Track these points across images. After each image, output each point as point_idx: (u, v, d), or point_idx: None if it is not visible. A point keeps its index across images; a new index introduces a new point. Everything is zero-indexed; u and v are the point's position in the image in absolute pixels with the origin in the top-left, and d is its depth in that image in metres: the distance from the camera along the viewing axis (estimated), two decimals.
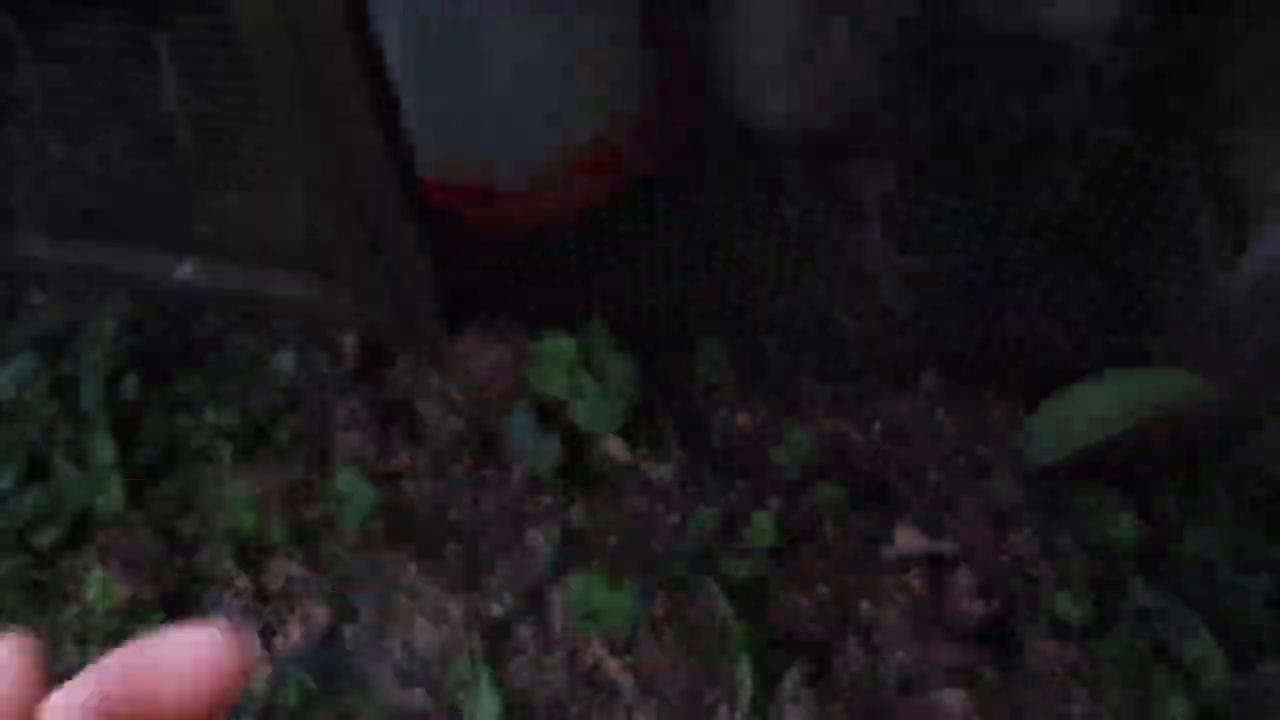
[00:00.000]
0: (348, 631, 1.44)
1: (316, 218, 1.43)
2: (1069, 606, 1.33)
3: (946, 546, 1.40)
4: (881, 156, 1.61)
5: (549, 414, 1.48)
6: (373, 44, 1.17)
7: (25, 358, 1.62)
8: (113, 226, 1.73)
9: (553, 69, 1.43)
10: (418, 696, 1.39)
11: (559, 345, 1.43)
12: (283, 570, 1.48)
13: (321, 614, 1.45)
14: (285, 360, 1.61)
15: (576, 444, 1.48)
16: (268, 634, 1.44)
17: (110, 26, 1.85)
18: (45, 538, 1.50)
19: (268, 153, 1.66)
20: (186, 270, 1.61)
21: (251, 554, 1.49)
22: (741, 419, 1.49)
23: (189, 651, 0.30)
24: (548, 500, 1.47)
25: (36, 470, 1.56)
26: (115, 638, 1.44)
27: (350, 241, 1.41)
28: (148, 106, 1.89)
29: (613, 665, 1.38)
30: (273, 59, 1.16)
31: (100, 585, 1.44)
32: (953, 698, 1.35)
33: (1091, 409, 1.26)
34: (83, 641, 1.45)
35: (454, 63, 1.41)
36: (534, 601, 1.42)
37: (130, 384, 1.55)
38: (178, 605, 1.46)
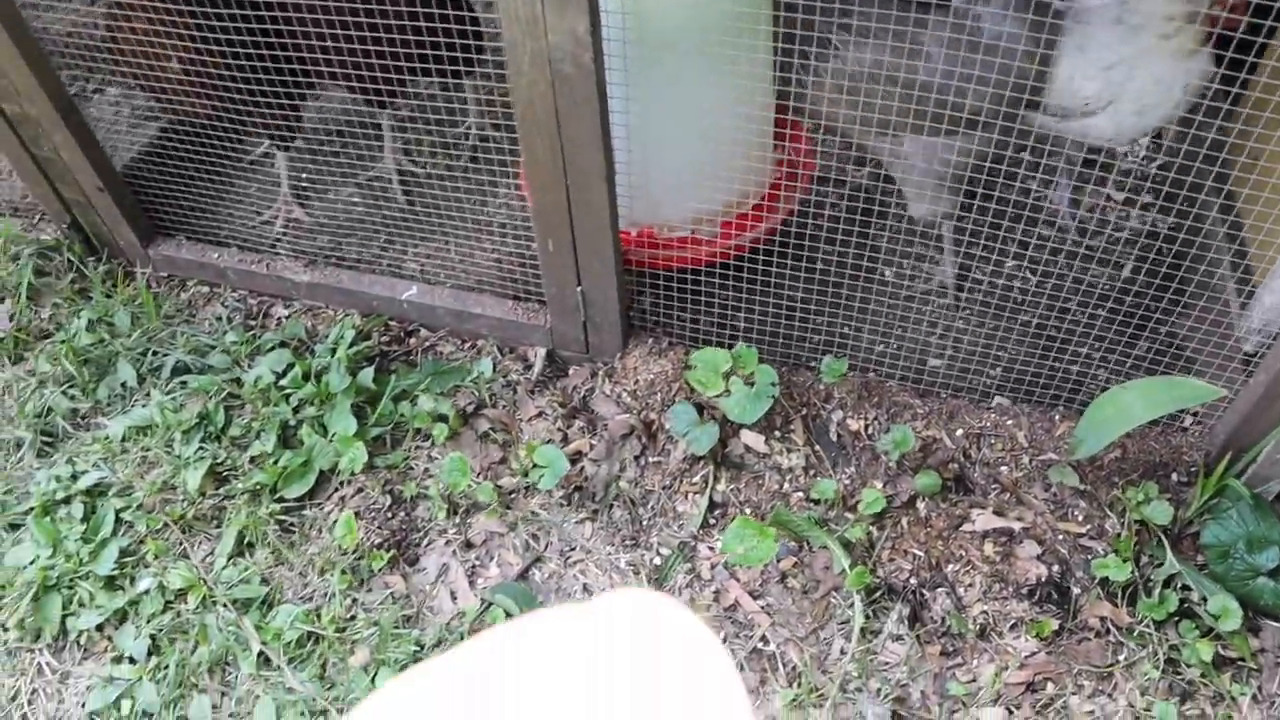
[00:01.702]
0: (536, 574, 1.82)
1: (532, 253, 1.86)
2: (1115, 572, 1.68)
3: (1015, 524, 1.77)
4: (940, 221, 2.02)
5: (702, 410, 1.88)
6: (606, 113, 1.61)
7: (278, 354, 2.05)
8: (351, 257, 2.18)
9: (711, 145, 1.87)
10: None
11: (714, 355, 1.84)
12: (484, 525, 1.86)
13: (515, 560, 1.83)
14: (484, 366, 2.02)
15: (721, 436, 1.87)
16: (472, 574, 1.82)
17: (343, 106, 2.34)
18: (295, 491, 1.90)
19: (476, 205, 2.11)
20: (411, 292, 2.05)
21: (459, 511, 1.88)
22: (854, 423, 1.88)
23: None
24: (697, 478, 1.86)
25: (286, 440, 1.97)
26: (350, 570, 1.82)
27: (559, 273, 1.84)
28: (386, 166, 2.36)
29: (750, 605, 1.74)
30: (537, 125, 1.60)
31: (346, 526, 1.83)
32: (1021, 642, 1.70)
33: (1123, 407, 1.63)
34: (323, 572, 1.83)
35: (637, 138, 1.85)
36: (686, 555, 1.80)
37: (367, 375, 1.97)
38: (400, 548, 1.85)
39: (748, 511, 1.82)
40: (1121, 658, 1.69)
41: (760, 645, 1.70)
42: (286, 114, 2.05)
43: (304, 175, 2.33)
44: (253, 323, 2.17)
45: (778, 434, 1.88)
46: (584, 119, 1.59)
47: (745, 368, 1.84)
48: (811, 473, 1.85)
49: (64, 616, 1.81)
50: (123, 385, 2.10)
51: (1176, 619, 1.69)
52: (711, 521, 1.83)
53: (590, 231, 1.76)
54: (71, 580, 1.83)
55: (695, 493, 1.85)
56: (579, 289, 1.86)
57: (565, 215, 1.74)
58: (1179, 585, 1.71)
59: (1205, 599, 1.68)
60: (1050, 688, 1.66)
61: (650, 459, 1.88)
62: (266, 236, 2.25)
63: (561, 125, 1.61)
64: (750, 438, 1.87)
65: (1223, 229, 2.00)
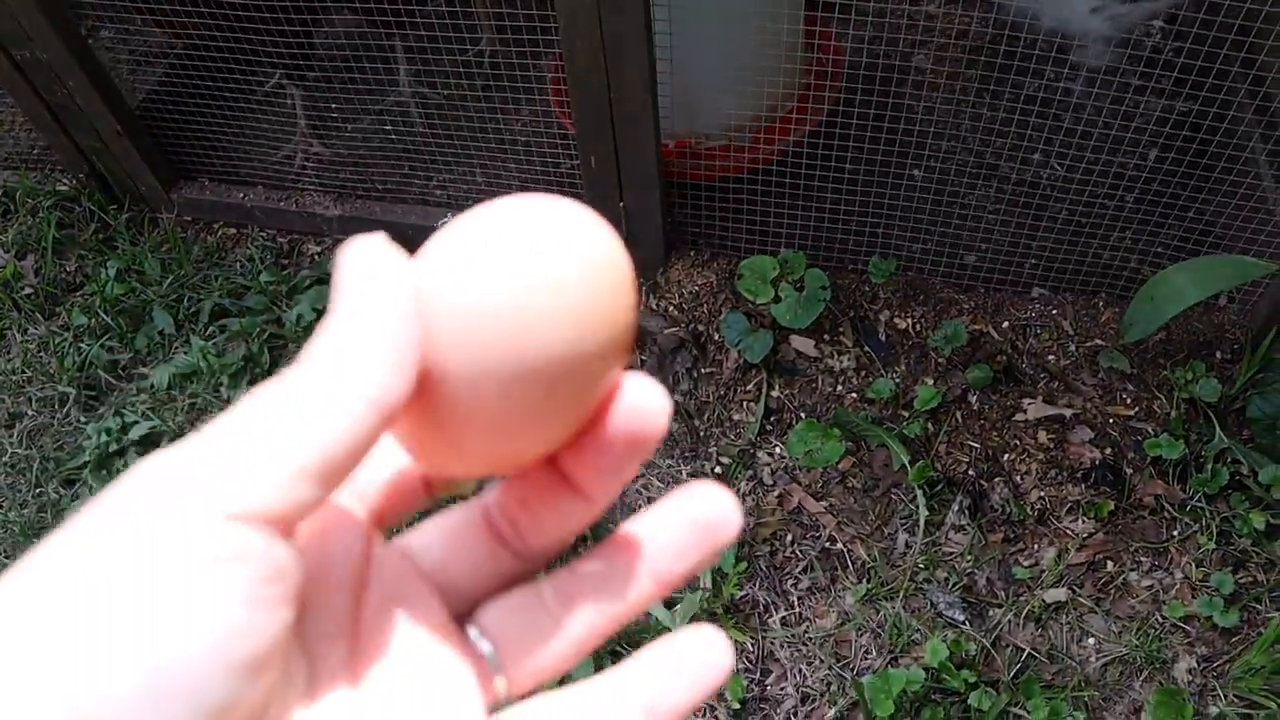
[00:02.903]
0: None
1: (561, 172, 1.85)
2: (1168, 450, 1.73)
3: (1066, 410, 1.81)
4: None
5: (752, 318, 1.89)
6: (650, 16, 1.58)
7: (317, 291, 2.03)
8: (378, 189, 2.16)
9: (743, 54, 1.85)
10: None
11: (762, 262, 1.84)
12: None
13: None
14: None
15: (773, 343, 1.89)
16: None
17: (354, 38, 2.30)
18: None
19: (499, 127, 2.09)
20: (446, 219, 2.03)
21: None
22: (901, 322, 1.90)
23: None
24: (751, 386, 1.88)
25: None
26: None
27: (602, 189, 1.83)
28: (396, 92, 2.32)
29: (813, 506, 1.78)
30: (579, 33, 1.58)
31: None
32: (1079, 524, 1.75)
33: (1176, 288, 1.66)
34: None
35: (670, 47, 1.82)
36: (746, 462, 1.83)
37: None
38: None
39: (804, 415, 1.85)
40: (1176, 533, 1.74)
41: (828, 545, 1.74)
42: (295, 44, 2.00)
43: (319, 108, 2.29)
44: (285, 261, 2.16)
45: (826, 337, 1.90)
46: (628, 22, 1.56)
47: (794, 273, 1.84)
48: (863, 374, 1.87)
49: None
50: (160, 333, 2.08)
51: (1228, 492, 1.74)
52: (768, 428, 1.85)
53: (633, 144, 1.74)
54: None
55: (750, 401, 1.87)
56: (621, 204, 1.85)
57: (608, 129, 1.73)
58: (1229, 460, 1.75)
59: (1255, 471, 1.73)
60: (1110, 566, 1.72)
61: (703, 370, 1.90)
62: (287, 173, 2.21)
63: (605, 32, 1.58)
64: (800, 342, 1.89)
65: (1251, 108, 2.01)
